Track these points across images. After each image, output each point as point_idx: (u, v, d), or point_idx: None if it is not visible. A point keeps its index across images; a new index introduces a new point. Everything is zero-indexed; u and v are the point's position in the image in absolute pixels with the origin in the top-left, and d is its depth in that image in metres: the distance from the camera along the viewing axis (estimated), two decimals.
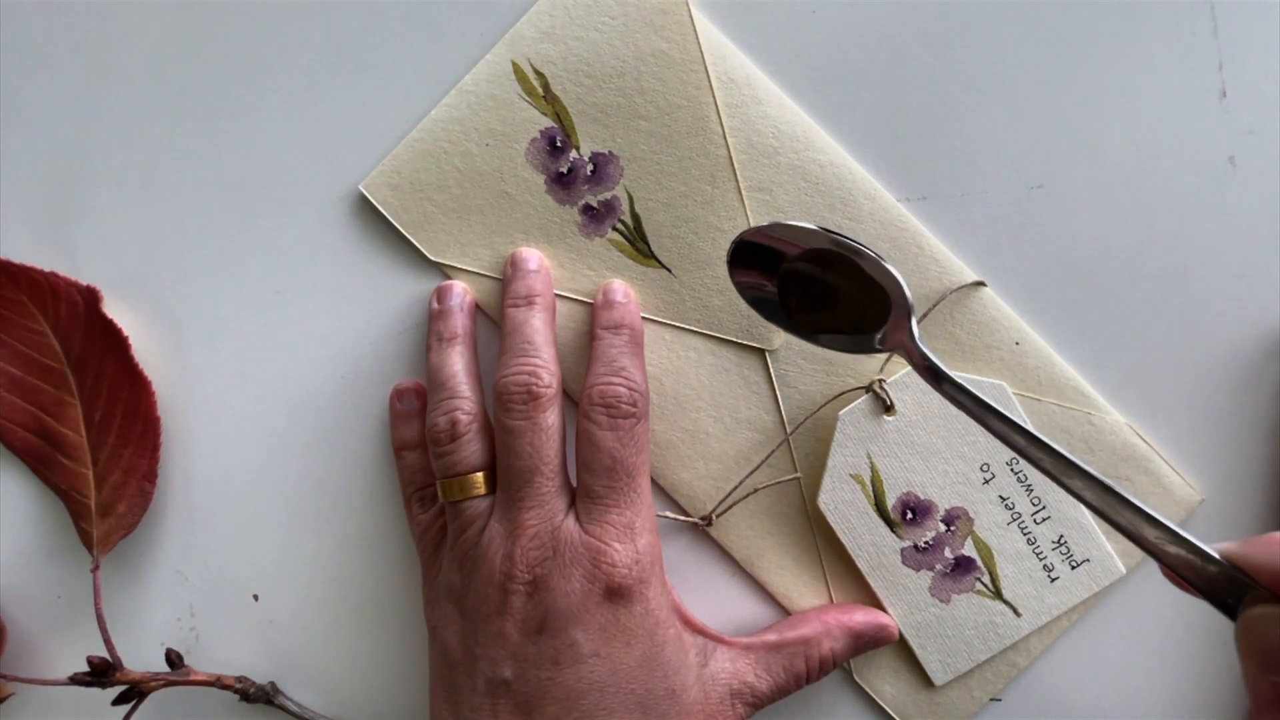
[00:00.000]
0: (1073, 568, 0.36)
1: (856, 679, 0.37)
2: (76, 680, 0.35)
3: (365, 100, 0.37)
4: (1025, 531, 0.36)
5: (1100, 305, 0.36)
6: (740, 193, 0.36)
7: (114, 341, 0.37)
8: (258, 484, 0.38)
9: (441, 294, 0.36)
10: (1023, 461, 0.35)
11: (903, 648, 0.36)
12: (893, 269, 0.30)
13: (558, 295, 0.36)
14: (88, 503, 0.37)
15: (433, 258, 0.37)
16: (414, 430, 0.36)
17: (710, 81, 0.36)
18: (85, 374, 0.37)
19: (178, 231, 0.38)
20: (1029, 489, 0.35)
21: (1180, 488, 0.36)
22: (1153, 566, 0.36)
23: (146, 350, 0.38)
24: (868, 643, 0.35)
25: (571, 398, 0.37)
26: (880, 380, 0.35)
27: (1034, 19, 0.36)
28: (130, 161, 0.38)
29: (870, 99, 0.36)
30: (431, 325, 0.36)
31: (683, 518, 0.37)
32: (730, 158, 0.36)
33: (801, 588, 0.37)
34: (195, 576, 0.38)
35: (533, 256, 0.36)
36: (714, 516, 0.37)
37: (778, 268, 0.31)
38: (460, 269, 0.37)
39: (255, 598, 0.38)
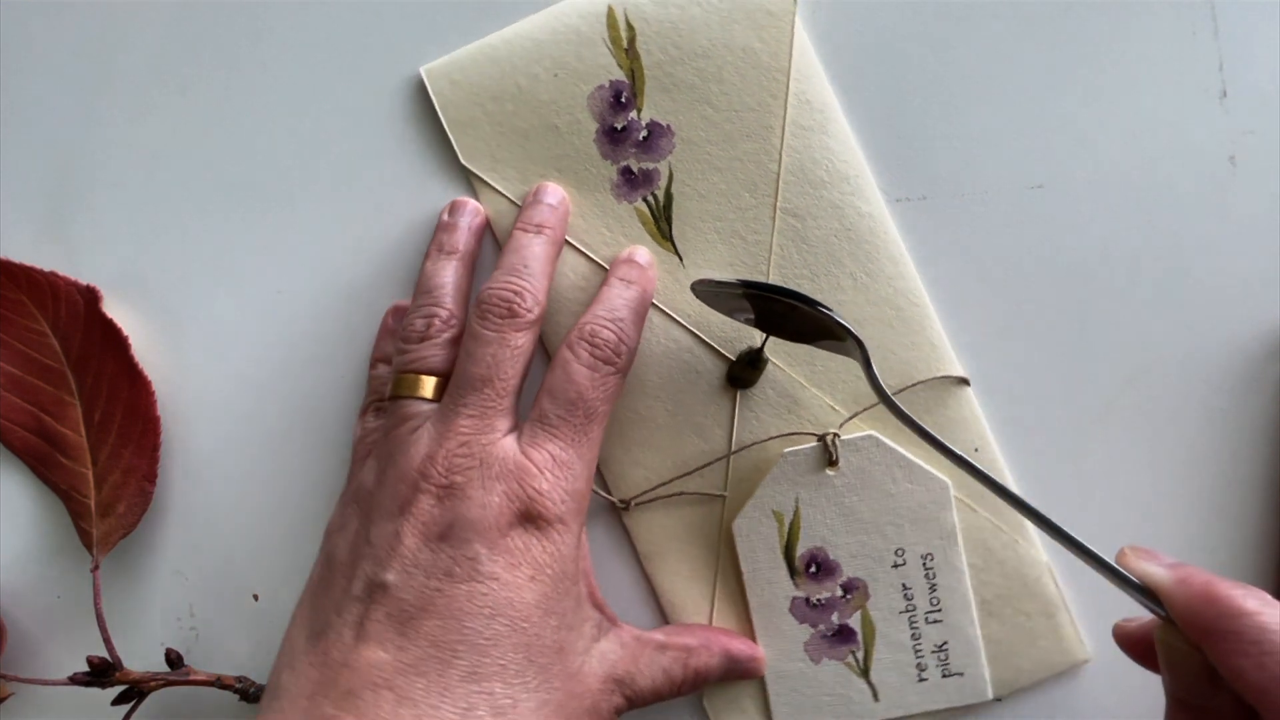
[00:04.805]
0: (944, 676, 0.36)
1: (705, 705, 0.37)
2: (76, 680, 0.35)
3: (366, 98, 0.37)
4: (914, 626, 0.36)
5: (1100, 305, 0.36)
6: (775, 210, 0.36)
7: (114, 341, 0.37)
8: (258, 484, 0.38)
9: (454, 208, 0.36)
10: (935, 560, 0.35)
11: (759, 690, 0.36)
12: (837, 315, 0.31)
13: (567, 243, 0.36)
14: (88, 503, 0.37)
15: (464, 162, 0.36)
16: (394, 349, 0.35)
17: (788, 95, 0.35)
18: (85, 374, 0.37)
19: (178, 231, 0.38)
20: (933, 588, 0.35)
21: (1072, 640, 0.36)
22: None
23: (146, 350, 0.38)
24: (738, 670, 0.35)
25: (549, 351, 0.37)
26: (835, 434, 0.35)
27: (1034, 19, 0.36)
28: (130, 161, 0.38)
29: (870, 99, 0.36)
30: (436, 235, 0.36)
31: (604, 494, 0.37)
32: (778, 174, 0.36)
33: (686, 599, 0.37)
34: (195, 576, 0.38)
35: (557, 192, 0.36)
36: (633, 503, 0.37)
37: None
38: (486, 183, 0.36)
39: (255, 598, 0.38)
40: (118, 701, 0.36)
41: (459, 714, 0.28)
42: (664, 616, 0.37)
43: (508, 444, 0.31)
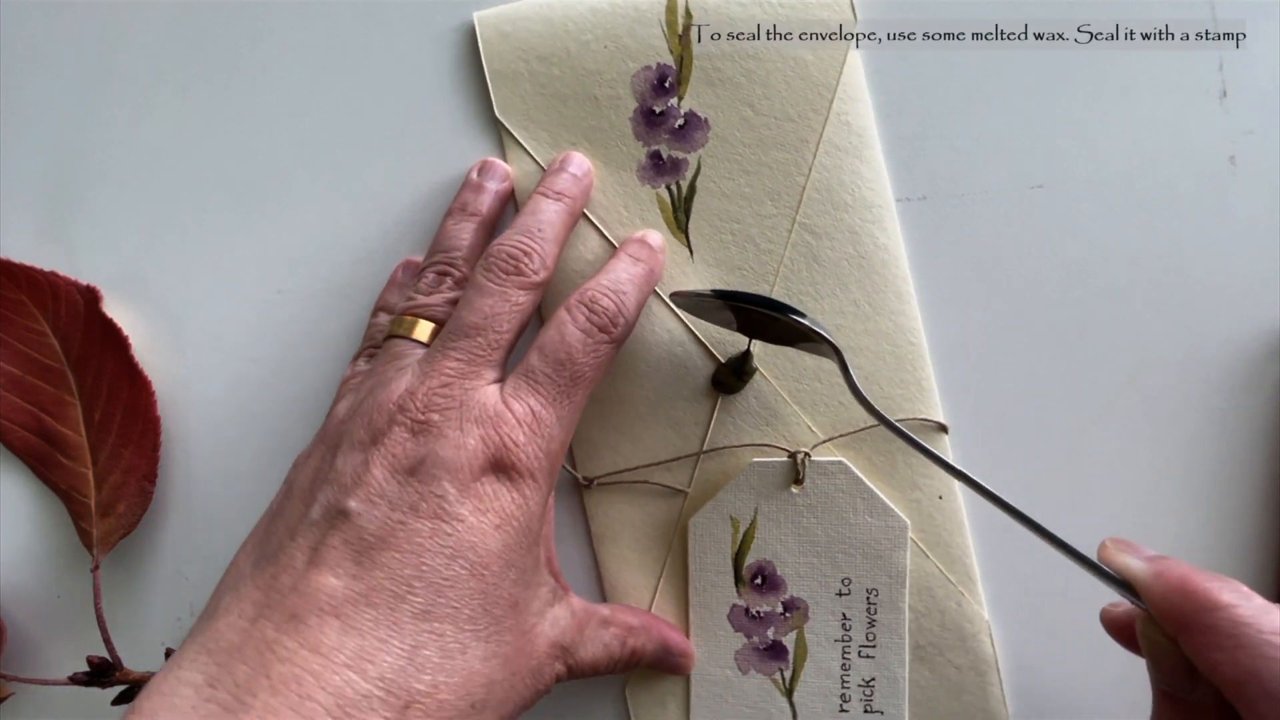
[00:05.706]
0: (866, 711, 0.36)
1: (627, 696, 0.37)
2: (76, 680, 0.35)
3: (366, 101, 0.37)
4: (845, 656, 0.36)
5: (1100, 305, 0.36)
6: (793, 224, 0.36)
7: (114, 341, 0.37)
8: (258, 484, 0.38)
9: (485, 169, 0.36)
10: (879, 596, 0.36)
11: (683, 690, 0.37)
12: (809, 321, 0.31)
13: (583, 216, 0.36)
14: (88, 503, 0.37)
15: (498, 114, 0.36)
16: (400, 300, 0.35)
17: (829, 112, 0.35)
18: (85, 374, 0.37)
19: (178, 231, 0.38)
20: (872, 623, 0.36)
21: (997, 701, 0.36)
22: None
23: (146, 350, 0.38)
24: (669, 662, 0.36)
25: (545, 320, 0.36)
26: (806, 454, 0.36)
27: (1034, 19, 0.36)
28: (130, 161, 0.38)
29: (871, 99, 0.36)
30: (461, 193, 0.36)
31: (569, 468, 0.37)
32: (804, 189, 0.36)
33: (630, 586, 0.37)
34: (195, 576, 0.38)
35: (583, 163, 0.36)
36: (596, 482, 0.37)
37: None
38: (516, 140, 0.36)
39: None
40: (118, 701, 0.36)
41: (406, 651, 0.27)
42: (604, 598, 0.37)
43: (490, 391, 0.31)
